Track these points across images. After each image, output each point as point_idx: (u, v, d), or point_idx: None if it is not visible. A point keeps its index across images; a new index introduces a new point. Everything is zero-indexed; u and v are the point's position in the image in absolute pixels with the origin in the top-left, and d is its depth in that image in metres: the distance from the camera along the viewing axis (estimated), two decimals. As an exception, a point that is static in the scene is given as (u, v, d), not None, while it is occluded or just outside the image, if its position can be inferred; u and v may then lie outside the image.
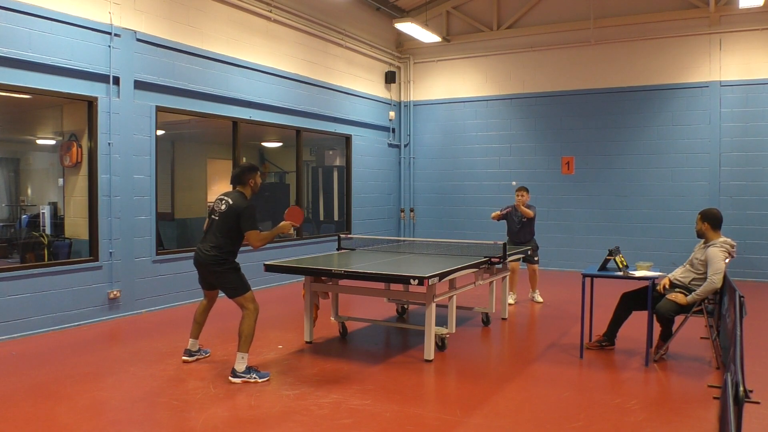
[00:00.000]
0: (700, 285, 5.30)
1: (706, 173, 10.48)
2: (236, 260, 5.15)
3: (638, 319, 5.71)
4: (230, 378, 4.86)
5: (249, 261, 8.03)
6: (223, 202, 5.12)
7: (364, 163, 11.93)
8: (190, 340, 5.45)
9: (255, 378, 4.84)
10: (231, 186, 5.25)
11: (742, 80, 10.20)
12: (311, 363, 5.43)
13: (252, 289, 5.12)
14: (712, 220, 5.50)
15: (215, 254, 5.01)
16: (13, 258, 7.68)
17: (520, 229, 8.17)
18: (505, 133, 12.07)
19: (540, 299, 8.40)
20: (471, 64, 12.36)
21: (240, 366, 4.87)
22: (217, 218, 5.08)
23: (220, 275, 5.06)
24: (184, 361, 5.36)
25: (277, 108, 9.63)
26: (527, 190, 8.33)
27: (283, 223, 5.25)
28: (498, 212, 8.37)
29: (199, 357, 5.46)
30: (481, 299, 8.33)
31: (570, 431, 3.97)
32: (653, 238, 10.79)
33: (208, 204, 11.61)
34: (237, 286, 5.04)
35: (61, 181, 7.64)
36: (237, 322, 5.60)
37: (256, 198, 5.56)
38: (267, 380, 4.87)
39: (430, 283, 5.21)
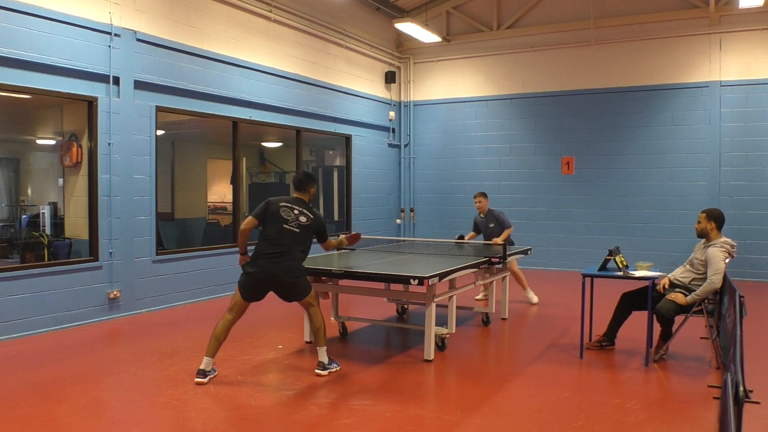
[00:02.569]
0: (700, 285, 5.30)
1: (706, 173, 10.48)
2: None
3: (638, 319, 5.71)
4: (317, 371, 5.03)
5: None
6: (302, 213, 5.05)
7: (364, 163, 11.93)
8: (206, 359, 4.91)
9: (336, 367, 5.14)
10: (295, 190, 5.26)
11: (742, 80, 10.20)
12: (311, 363, 5.41)
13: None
14: (718, 221, 5.48)
15: (297, 266, 4.99)
16: (13, 258, 7.69)
17: (491, 234, 8.02)
18: (505, 133, 12.07)
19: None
20: (471, 64, 12.36)
21: (324, 358, 5.08)
22: (298, 231, 4.97)
23: (296, 285, 5.00)
24: (199, 383, 4.80)
25: (277, 108, 9.63)
26: (485, 195, 8.24)
27: (343, 237, 5.63)
28: (470, 234, 8.28)
29: (212, 377, 4.93)
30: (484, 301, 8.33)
31: (570, 431, 3.97)
32: (653, 238, 10.79)
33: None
34: (308, 289, 5.11)
35: (61, 181, 7.65)
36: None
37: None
38: (337, 367, 5.17)
39: (430, 283, 5.21)
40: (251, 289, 4.97)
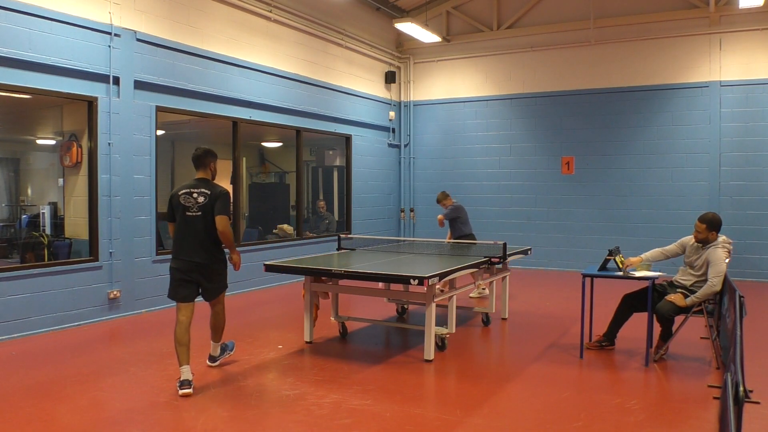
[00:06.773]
0: (702, 287, 5.29)
1: (706, 173, 10.48)
2: None
3: (638, 319, 5.71)
4: (209, 363, 5.25)
5: (249, 261, 8.05)
6: (199, 194, 4.73)
7: (364, 163, 11.93)
8: (182, 368, 4.66)
9: (229, 353, 5.37)
10: (196, 169, 4.88)
11: (742, 80, 10.20)
12: (311, 363, 5.42)
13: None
14: (718, 228, 5.45)
15: (212, 254, 4.78)
16: (13, 258, 7.69)
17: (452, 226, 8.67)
18: (505, 133, 12.07)
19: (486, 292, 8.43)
20: (471, 64, 12.36)
21: (216, 351, 5.27)
22: (199, 213, 4.71)
23: (217, 272, 4.88)
24: (185, 395, 4.56)
25: (277, 108, 9.63)
26: (445, 195, 8.83)
27: (236, 258, 4.98)
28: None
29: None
30: (481, 299, 8.33)
31: (570, 431, 3.97)
32: (653, 238, 10.77)
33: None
34: (225, 283, 5.03)
35: (61, 181, 7.65)
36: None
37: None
38: (234, 347, 5.47)
39: (430, 283, 5.21)
40: (177, 285, 4.80)
